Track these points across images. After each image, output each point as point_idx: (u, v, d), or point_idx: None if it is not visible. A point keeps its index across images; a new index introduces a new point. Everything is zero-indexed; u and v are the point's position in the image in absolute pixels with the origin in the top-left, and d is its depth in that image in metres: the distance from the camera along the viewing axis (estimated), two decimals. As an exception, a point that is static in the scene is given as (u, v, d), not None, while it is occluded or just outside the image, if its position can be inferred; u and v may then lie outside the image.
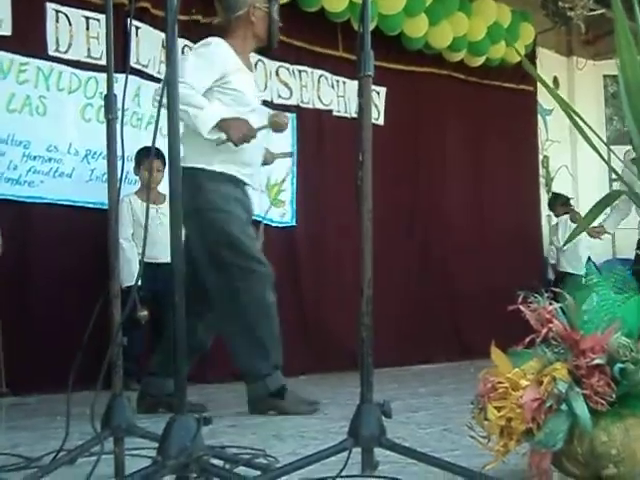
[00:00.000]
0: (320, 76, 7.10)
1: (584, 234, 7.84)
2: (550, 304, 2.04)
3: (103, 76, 3.16)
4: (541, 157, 9.10)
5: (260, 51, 4.46)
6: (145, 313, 5.30)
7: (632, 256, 6.72)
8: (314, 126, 7.03)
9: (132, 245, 5.34)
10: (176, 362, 1.91)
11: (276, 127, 4.08)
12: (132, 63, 5.65)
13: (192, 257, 3.85)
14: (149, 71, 5.90)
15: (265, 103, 5.63)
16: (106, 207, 2.48)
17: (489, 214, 8.23)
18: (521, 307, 2.01)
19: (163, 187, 5.23)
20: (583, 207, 8.07)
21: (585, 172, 9.22)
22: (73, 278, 5.30)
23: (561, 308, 2.05)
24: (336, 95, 7.19)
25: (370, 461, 1.98)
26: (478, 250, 7.92)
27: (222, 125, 3.84)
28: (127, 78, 2.31)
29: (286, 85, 6.83)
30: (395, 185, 7.16)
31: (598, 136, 2.42)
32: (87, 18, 5.65)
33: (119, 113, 2.38)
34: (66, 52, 5.59)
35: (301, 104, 6.93)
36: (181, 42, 5.94)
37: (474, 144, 8.21)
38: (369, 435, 1.97)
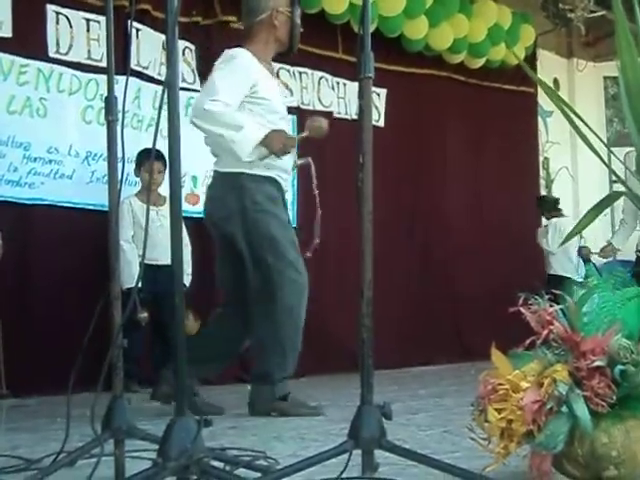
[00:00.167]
0: (320, 78, 7.10)
1: (576, 237, 7.90)
2: (550, 306, 2.04)
3: (103, 78, 3.16)
4: (541, 159, 9.10)
5: (281, 56, 4.40)
6: (145, 315, 5.30)
7: (633, 258, 6.74)
8: (314, 128, 7.02)
9: (132, 247, 5.33)
10: (177, 363, 1.91)
11: (317, 133, 4.03)
12: (132, 65, 5.66)
13: (237, 256, 3.93)
14: (149, 73, 5.90)
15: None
16: (106, 209, 2.47)
17: (489, 216, 8.23)
18: (522, 309, 2.02)
19: (164, 189, 5.23)
20: (583, 209, 8.06)
21: (585, 174, 9.21)
22: (73, 280, 5.30)
23: (562, 310, 2.05)
24: (336, 97, 7.20)
25: (370, 463, 1.98)
26: (479, 252, 7.92)
27: (263, 143, 3.85)
28: (127, 80, 2.32)
29: (286, 87, 6.83)
30: (396, 187, 7.16)
31: (598, 137, 2.42)
32: (87, 20, 5.65)
33: (119, 115, 2.38)
34: (67, 54, 5.59)
35: (301, 106, 6.92)
36: (181, 44, 5.95)
37: (474, 146, 8.22)
38: (369, 437, 1.97)
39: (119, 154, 2.37)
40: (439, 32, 7.45)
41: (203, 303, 5.84)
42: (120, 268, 2.48)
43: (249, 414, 3.88)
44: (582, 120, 2.39)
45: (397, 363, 6.57)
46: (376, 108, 7.28)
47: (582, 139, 2.42)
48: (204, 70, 6.26)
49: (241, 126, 3.79)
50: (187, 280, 5.28)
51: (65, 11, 5.58)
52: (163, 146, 1.99)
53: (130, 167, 5.33)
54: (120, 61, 2.96)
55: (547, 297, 2.06)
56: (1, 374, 4.99)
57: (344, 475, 1.97)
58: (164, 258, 4.44)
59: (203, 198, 6.13)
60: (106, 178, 2.47)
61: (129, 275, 5.08)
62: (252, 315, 4.00)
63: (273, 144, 3.85)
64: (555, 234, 7.97)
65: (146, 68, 5.88)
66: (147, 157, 5.15)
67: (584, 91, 9.59)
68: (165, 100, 1.95)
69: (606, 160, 2.51)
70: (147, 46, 5.87)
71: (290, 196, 6.76)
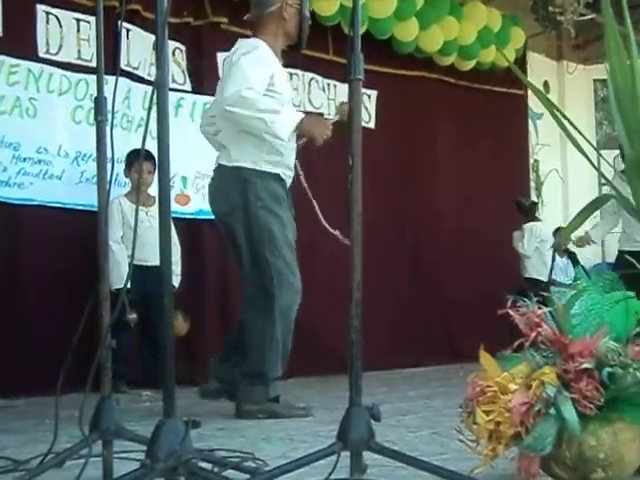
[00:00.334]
0: (311, 79, 7.10)
1: (549, 240, 7.96)
2: (539, 308, 2.04)
3: (93, 78, 3.16)
4: (531, 161, 9.12)
5: (291, 51, 4.37)
6: (134, 316, 5.28)
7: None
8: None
9: (122, 247, 5.31)
10: (165, 365, 1.91)
11: (345, 117, 3.97)
12: (122, 65, 5.65)
13: (237, 253, 3.94)
14: (139, 73, 5.89)
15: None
16: (96, 209, 2.47)
17: (480, 218, 8.23)
18: (510, 311, 2.02)
19: (153, 189, 5.22)
20: (573, 211, 8.08)
21: (575, 176, 9.24)
22: (62, 280, 5.29)
23: (550, 312, 2.06)
24: (327, 98, 7.19)
25: (359, 465, 1.97)
26: (469, 254, 7.92)
27: (301, 127, 3.88)
28: (117, 80, 2.31)
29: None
30: (386, 189, 7.16)
31: (588, 140, 2.43)
32: (78, 20, 5.64)
33: (109, 115, 2.37)
34: (56, 54, 5.58)
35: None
36: (172, 44, 5.94)
37: (465, 148, 8.22)
38: (358, 438, 1.97)
39: (109, 154, 2.37)
40: (429, 34, 7.46)
41: (192, 304, 5.84)
42: (109, 268, 2.46)
43: (235, 416, 3.85)
44: (571, 123, 2.39)
45: (387, 365, 6.56)
46: (366, 109, 7.28)
47: (572, 142, 2.43)
48: (194, 70, 6.27)
49: (278, 110, 3.82)
50: (176, 281, 5.26)
51: (55, 11, 5.57)
52: (153, 146, 1.99)
53: (120, 167, 5.32)
54: (110, 61, 2.94)
55: (522, 300, 2.07)
56: (-11, 375, 4.98)
57: (332, 477, 1.97)
58: (153, 259, 4.40)
59: (193, 199, 6.22)
60: (95, 178, 2.47)
61: (118, 276, 5.05)
62: (244, 311, 4.01)
63: (313, 127, 3.89)
64: (531, 238, 8.03)
65: (136, 68, 5.87)
66: (137, 157, 5.14)
67: (574, 94, 9.61)
68: (155, 100, 1.95)
69: (595, 163, 2.52)
70: (137, 46, 5.86)
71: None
